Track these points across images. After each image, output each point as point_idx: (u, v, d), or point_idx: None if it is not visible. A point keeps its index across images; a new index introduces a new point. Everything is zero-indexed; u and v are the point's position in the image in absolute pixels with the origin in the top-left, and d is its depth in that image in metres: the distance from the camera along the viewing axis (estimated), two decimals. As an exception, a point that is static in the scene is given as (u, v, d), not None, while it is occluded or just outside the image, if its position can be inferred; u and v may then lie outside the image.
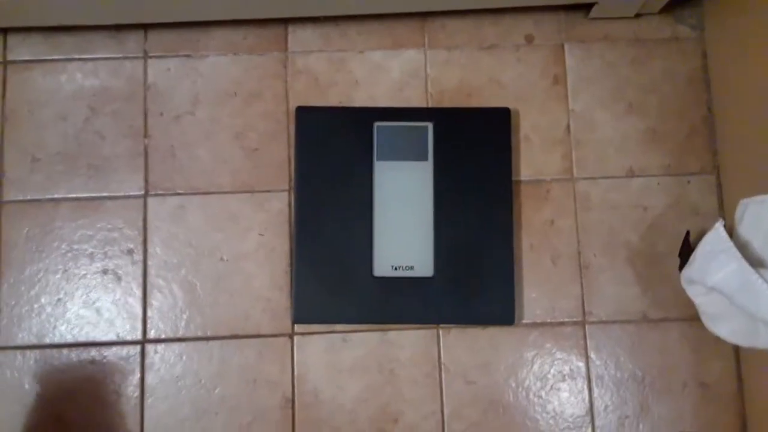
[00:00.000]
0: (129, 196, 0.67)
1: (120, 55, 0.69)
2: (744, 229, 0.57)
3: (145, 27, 0.69)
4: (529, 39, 0.70)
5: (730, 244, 0.55)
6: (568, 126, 0.69)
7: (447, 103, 0.69)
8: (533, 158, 0.68)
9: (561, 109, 0.69)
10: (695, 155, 0.69)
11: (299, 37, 0.70)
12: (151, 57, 0.69)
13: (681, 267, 0.61)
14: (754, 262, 0.55)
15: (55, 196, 0.67)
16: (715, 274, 0.55)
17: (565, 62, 0.70)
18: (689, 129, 0.69)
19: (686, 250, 0.62)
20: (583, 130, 0.69)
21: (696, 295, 0.59)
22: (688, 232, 0.64)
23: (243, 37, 0.69)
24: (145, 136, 0.68)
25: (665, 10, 0.70)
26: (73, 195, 0.67)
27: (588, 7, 0.69)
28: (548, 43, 0.70)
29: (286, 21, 0.70)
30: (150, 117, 0.68)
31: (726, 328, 0.59)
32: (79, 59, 0.69)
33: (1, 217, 0.66)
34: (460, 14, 0.70)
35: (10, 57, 0.69)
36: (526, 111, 0.69)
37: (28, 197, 0.67)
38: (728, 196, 0.67)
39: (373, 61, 0.69)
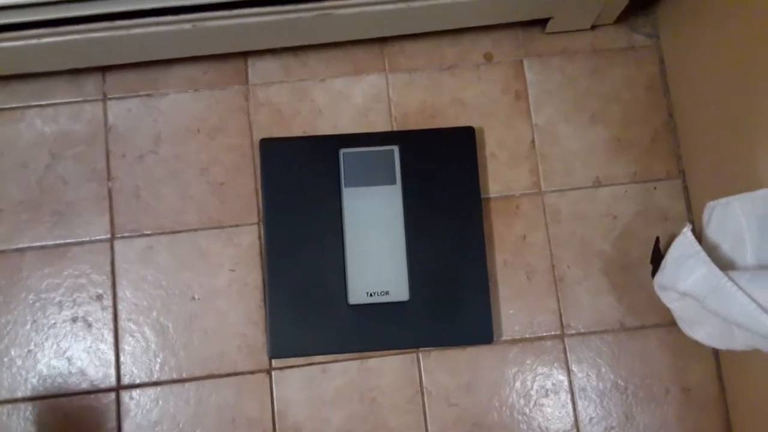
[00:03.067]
0: (95, 240, 0.66)
1: (79, 99, 0.69)
2: (712, 232, 0.57)
3: (103, 69, 0.69)
4: (489, 57, 0.71)
5: (698, 248, 0.55)
6: (533, 140, 0.69)
7: (411, 126, 0.69)
8: (501, 174, 0.68)
9: (525, 124, 0.69)
10: (660, 161, 0.69)
11: (259, 69, 0.70)
12: (110, 99, 0.69)
13: (653, 273, 0.62)
14: (724, 264, 0.55)
15: (20, 245, 0.66)
16: (685, 279, 0.55)
17: (526, 78, 0.70)
18: (652, 135, 0.70)
19: (657, 257, 0.63)
20: (548, 143, 0.69)
21: (670, 300, 0.59)
22: (657, 239, 0.64)
23: (203, 73, 0.69)
24: (109, 178, 0.67)
25: (620, 20, 0.71)
26: (38, 243, 0.66)
27: (544, 22, 0.70)
28: (508, 59, 0.71)
29: (245, 54, 0.70)
30: (113, 159, 0.67)
31: (702, 332, 0.59)
32: (38, 105, 0.68)
33: (-34, 270, 0.65)
34: (418, 37, 0.70)
35: (-33, 107, 0.68)
36: (491, 128, 0.69)
37: (-7, 248, 0.65)
38: (695, 199, 0.68)
39: (335, 88, 0.69)
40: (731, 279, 0.51)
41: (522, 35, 0.71)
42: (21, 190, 0.67)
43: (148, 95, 0.69)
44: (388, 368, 0.64)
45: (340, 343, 0.63)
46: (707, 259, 0.54)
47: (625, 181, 0.69)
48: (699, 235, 0.57)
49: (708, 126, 0.65)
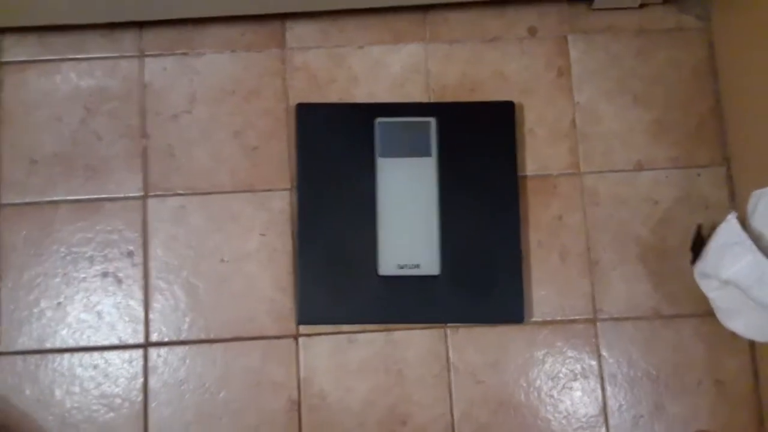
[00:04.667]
0: (128, 198, 0.66)
1: (115, 55, 0.68)
2: (757, 221, 0.55)
3: (141, 25, 0.68)
4: (533, 31, 0.69)
5: (744, 236, 0.54)
6: (574, 119, 0.68)
7: (449, 98, 0.67)
8: (539, 152, 0.67)
9: (566, 102, 0.68)
10: (704, 147, 0.67)
11: (297, 33, 0.69)
12: (147, 56, 0.68)
13: (693, 261, 0.61)
14: (770, 254, 0.53)
15: (54, 198, 0.66)
16: (729, 267, 0.54)
17: (569, 54, 0.69)
18: (697, 120, 0.68)
19: (698, 244, 0.62)
20: (588, 123, 0.68)
21: (710, 289, 0.58)
22: (699, 225, 0.63)
23: (240, 34, 0.68)
24: (143, 136, 0.67)
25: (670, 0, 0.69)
26: (72, 197, 0.66)
27: (592, -2, 0.68)
28: (552, 35, 0.69)
29: (283, 17, 0.69)
30: (147, 116, 0.67)
31: (741, 322, 0.58)
32: (74, 59, 0.68)
33: (0, 220, 0.65)
34: (461, 7, 0.69)
35: (4, 58, 0.68)
36: (531, 104, 0.68)
37: (26, 200, 0.66)
38: (739, 188, 0.66)
39: (372, 56, 0.68)
40: (779, 268, 0.50)
41: (568, 10, 0.70)
42: (55, 142, 0.67)
43: (184, 54, 0.68)
44: (415, 342, 0.64)
45: (368, 314, 0.63)
46: (753, 247, 0.53)
47: (667, 165, 0.67)
48: (742, 224, 0.55)
49: (756, 114, 0.63)
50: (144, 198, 0.66)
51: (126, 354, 0.64)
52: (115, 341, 0.64)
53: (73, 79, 0.68)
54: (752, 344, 0.64)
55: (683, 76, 0.69)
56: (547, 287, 0.65)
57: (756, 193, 0.56)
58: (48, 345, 0.64)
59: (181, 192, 0.66)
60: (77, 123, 0.67)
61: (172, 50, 0.68)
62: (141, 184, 0.66)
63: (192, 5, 0.64)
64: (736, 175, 0.67)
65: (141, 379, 0.63)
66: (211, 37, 0.68)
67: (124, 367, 0.63)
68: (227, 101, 0.67)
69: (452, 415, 0.63)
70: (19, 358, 0.63)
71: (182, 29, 0.68)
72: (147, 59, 0.68)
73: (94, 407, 0.63)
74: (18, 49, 0.68)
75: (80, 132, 0.67)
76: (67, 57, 0.68)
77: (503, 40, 0.69)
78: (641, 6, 0.69)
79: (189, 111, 0.67)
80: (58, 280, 0.65)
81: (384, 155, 0.65)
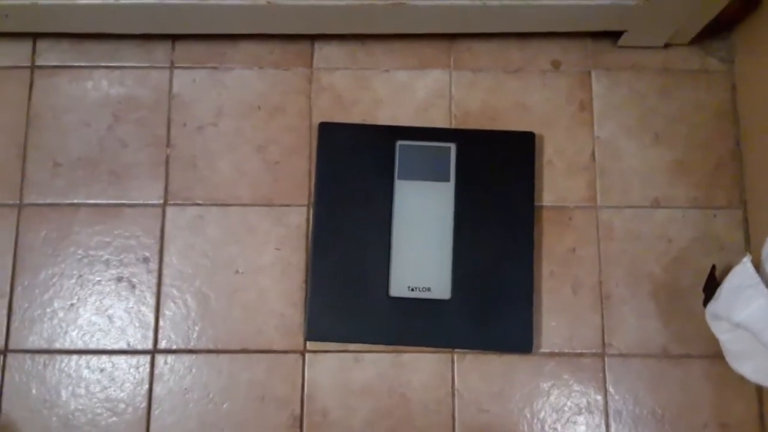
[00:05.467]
0: (148, 205, 0.66)
1: (147, 65, 0.70)
2: (772, 267, 0.55)
3: (173, 38, 0.70)
4: (556, 64, 0.70)
5: (758, 279, 0.53)
6: (593, 153, 0.68)
7: (471, 125, 0.68)
8: (557, 184, 0.67)
9: (586, 136, 0.68)
10: (722, 189, 0.67)
11: (325, 53, 0.70)
12: (177, 67, 0.69)
13: (705, 302, 0.60)
14: (784, 300, 0.53)
15: (75, 201, 0.67)
16: (742, 309, 0.53)
17: (592, 89, 0.69)
18: (716, 162, 0.68)
19: (711, 285, 0.61)
20: (608, 158, 0.68)
21: (721, 331, 0.58)
22: (713, 266, 0.62)
23: (269, 52, 0.70)
24: (168, 145, 0.68)
25: (695, 41, 0.70)
26: (93, 201, 0.67)
27: (617, 36, 0.69)
28: (575, 69, 0.70)
29: (312, 37, 0.70)
30: (173, 127, 0.68)
31: (749, 366, 0.57)
32: (106, 67, 0.70)
33: (20, 219, 0.66)
34: (487, 37, 0.70)
35: (38, 62, 0.70)
36: (551, 136, 0.68)
37: (48, 201, 0.67)
38: (755, 232, 0.66)
39: (397, 80, 0.69)
40: (793, 314, 0.49)
41: (592, 46, 0.70)
42: (81, 147, 0.68)
43: (213, 68, 0.69)
44: (421, 365, 0.64)
45: (377, 334, 0.63)
46: (767, 291, 0.53)
47: (685, 205, 0.67)
48: (757, 268, 0.55)
49: (776, 158, 0.63)
50: (163, 206, 0.66)
51: (134, 359, 0.64)
52: (123, 346, 0.64)
53: (103, 87, 0.69)
54: (759, 389, 0.64)
55: (705, 117, 0.69)
56: (557, 318, 0.65)
57: (772, 239, 0.55)
58: (57, 345, 0.64)
59: (200, 202, 0.66)
60: (104, 129, 0.68)
61: (203, 63, 0.70)
62: (162, 192, 0.67)
63: (224, 22, 0.65)
64: (752, 219, 0.66)
65: (146, 386, 0.63)
66: (241, 53, 0.70)
67: (130, 372, 0.64)
68: (252, 116, 0.68)
69: (455, 442, 0.63)
70: (27, 357, 0.64)
71: (213, 44, 0.70)
72: (177, 71, 0.69)
73: (98, 410, 0.63)
74: (51, 54, 0.70)
75: (106, 138, 0.68)
76: (99, 64, 0.70)
77: (526, 71, 0.70)
78: (666, 46, 0.70)
79: (215, 123, 0.68)
80: (72, 281, 0.65)
81: (403, 177, 0.65)
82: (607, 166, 0.67)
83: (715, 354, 0.62)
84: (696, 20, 0.65)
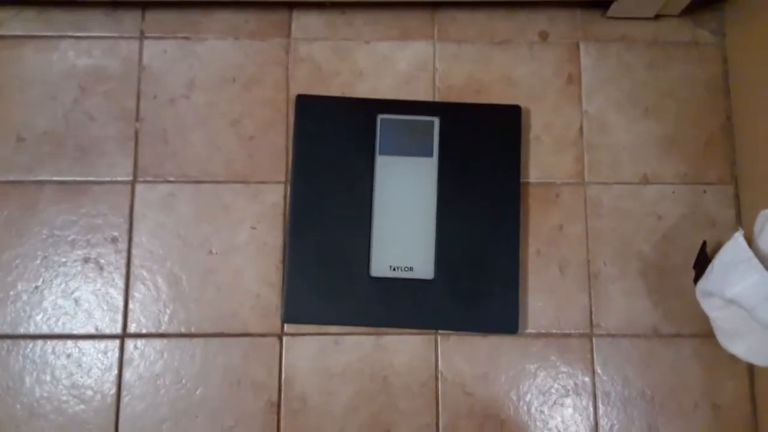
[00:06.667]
0: (116, 182, 0.63)
1: (115, 34, 0.66)
2: (764, 242, 0.53)
3: (143, 6, 0.67)
4: (544, 36, 0.68)
5: (750, 254, 0.52)
6: (581, 128, 0.66)
7: (455, 99, 0.66)
8: (543, 160, 0.65)
9: (574, 110, 0.66)
10: (713, 164, 0.65)
11: (303, 23, 0.67)
12: (147, 37, 0.66)
13: (696, 279, 0.59)
14: (777, 275, 0.51)
15: (40, 178, 0.63)
16: (734, 285, 0.52)
17: (580, 61, 0.67)
18: (707, 137, 0.66)
19: (702, 262, 0.59)
20: (596, 132, 0.66)
21: (712, 309, 0.56)
22: (704, 243, 0.61)
23: (244, 21, 0.67)
24: (137, 119, 0.65)
25: (686, 12, 0.68)
26: (59, 178, 0.63)
27: (606, 6, 0.67)
28: (563, 40, 0.67)
29: (290, 6, 0.67)
30: (143, 99, 0.65)
31: (742, 345, 0.56)
32: (73, 37, 0.66)
33: (-19, 198, 0.63)
34: (471, 7, 0.67)
35: (0, 32, 0.66)
36: (538, 110, 0.66)
37: (11, 178, 0.63)
38: (746, 207, 0.64)
39: (379, 51, 0.67)
40: (787, 289, 0.48)
41: (581, 17, 0.68)
42: (46, 121, 0.64)
43: (186, 38, 0.66)
44: (403, 347, 0.62)
45: (357, 316, 0.61)
46: (760, 266, 0.51)
47: (674, 181, 0.65)
48: (749, 244, 0.53)
49: (767, 133, 0.61)
50: (133, 183, 0.63)
51: (101, 344, 0.61)
52: (91, 330, 0.61)
53: (70, 58, 0.66)
54: (751, 368, 0.62)
55: (695, 90, 0.67)
56: (543, 298, 0.63)
57: (764, 213, 0.54)
58: (21, 330, 0.61)
59: (171, 179, 0.64)
60: (71, 102, 0.65)
61: (174, 33, 0.66)
62: (131, 169, 0.64)
63: (196, -12, 0.62)
64: (743, 195, 0.65)
65: (115, 371, 0.60)
66: (215, 23, 0.67)
67: (98, 357, 0.61)
68: (226, 89, 0.65)
69: (438, 427, 0.60)
70: (-7, 343, 0.61)
71: (185, 12, 0.66)
72: (147, 41, 0.66)
73: (64, 398, 0.60)
74: (15, 24, 0.66)
75: (73, 111, 0.65)
76: (65, 34, 0.66)
77: (513, 43, 0.67)
78: (656, 17, 0.68)
79: (187, 96, 0.65)
80: (37, 262, 0.62)
81: (384, 153, 0.63)
82: (596, 141, 0.65)
83: (705, 333, 0.61)
84: (687, -11, 0.63)
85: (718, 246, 0.56)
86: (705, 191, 0.65)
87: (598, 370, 0.62)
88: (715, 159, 0.66)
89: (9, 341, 0.61)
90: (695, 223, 0.64)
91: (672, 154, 0.65)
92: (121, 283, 0.62)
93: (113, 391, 0.60)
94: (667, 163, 0.65)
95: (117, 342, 0.61)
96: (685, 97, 0.67)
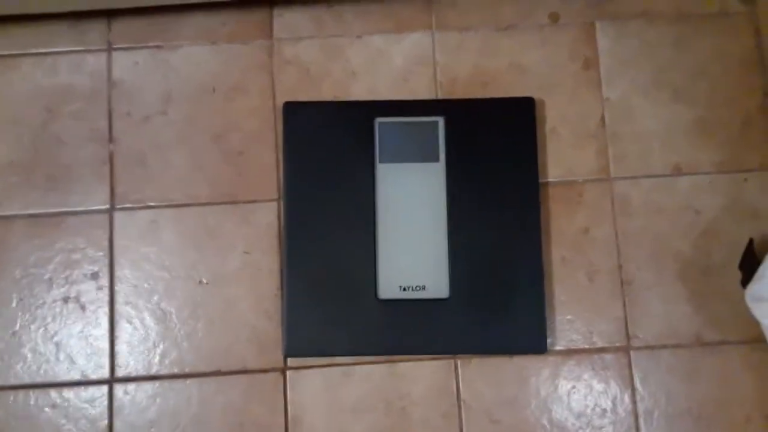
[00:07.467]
0: (92, 211, 0.60)
1: (80, 48, 0.63)
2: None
3: (109, 15, 0.63)
4: (555, 17, 0.63)
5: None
6: (603, 117, 0.62)
7: (460, 94, 0.62)
8: (563, 155, 0.61)
9: (594, 98, 0.62)
10: (752, 148, 0.62)
11: (286, 21, 0.63)
12: (115, 49, 0.63)
13: (744, 282, 0.55)
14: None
15: (8, 213, 0.60)
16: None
17: (597, 43, 0.63)
18: (744, 118, 0.62)
19: (750, 261, 0.55)
20: (620, 121, 0.62)
21: (764, 315, 0.52)
22: (751, 240, 0.57)
23: (221, 23, 0.63)
24: (111, 140, 0.61)
25: (711, -20, 0.63)
26: (29, 211, 0.60)
27: (622, -21, 0.61)
28: (577, 21, 0.63)
29: (271, 3, 0.64)
30: (116, 118, 0.61)
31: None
32: (35, 54, 0.62)
33: (-54, 237, 0.59)
34: (473, -10, 0.63)
35: (-44, 53, 0.62)
36: (553, 101, 0.62)
37: (-23, 214, 0.60)
38: (793, 195, 0.59)
39: (372, 47, 0.63)
40: None
41: (595, -7, 0.63)
42: (12, 149, 0.60)
43: (158, 47, 0.62)
44: (420, 375, 0.58)
45: (367, 344, 0.57)
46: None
47: (710, 170, 0.61)
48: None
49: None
50: (110, 211, 0.60)
51: (88, 391, 0.57)
52: (76, 377, 0.57)
53: (34, 77, 0.62)
54: (810, 377, 0.58)
55: (727, 68, 0.63)
56: (572, 311, 0.59)
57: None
58: (0, 381, 0.57)
59: (152, 204, 0.60)
60: (38, 126, 0.61)
61: (145, 42, 0.63)
62: (107, 196, 0.60)
63: (165, -10, 0.57)
64: (789, 181, 0.60)
65: (105, 421, 0.57)
66: (189, 27, 0.63)
67: (85, 406, 0.57)
68: (207, 100, 0.62)
69: (464, 462, 0.56)
70: (-29, 393, 0.57)
71: (155, 18, 0.63)
72: (116, 53, 0.62)
73: (53, 452, 0.56)
74: (-28, 43, 0.62)
75: (40, 137, 0.61)
76: (27, 51, 0.62)
77: (521, 27, 0.63)
78: (679, -13, 0.63)
79: (163, 112, 0.61)
80: (13, 305, 0.58)
81: (385, 161, 0.60)
82: (620, 131, 0.61)
83: (755, 338, 0.57)
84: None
85: (766, 241, 0.50)
86: (745, 179, 0.61)
87: (638, 386, 0.58)
88: (754, 142, 0.62)
89: (-12, 394, 0.56)
90: (736, 215, 0.60)
91: (706, 141, 0.62)
92: (105, 323, 0.58)
93: (104, 443, 0.56)
94: (701, 151, 0.61)
95: (105, 388, 0.57)
96: (716, 75, 0.63)
